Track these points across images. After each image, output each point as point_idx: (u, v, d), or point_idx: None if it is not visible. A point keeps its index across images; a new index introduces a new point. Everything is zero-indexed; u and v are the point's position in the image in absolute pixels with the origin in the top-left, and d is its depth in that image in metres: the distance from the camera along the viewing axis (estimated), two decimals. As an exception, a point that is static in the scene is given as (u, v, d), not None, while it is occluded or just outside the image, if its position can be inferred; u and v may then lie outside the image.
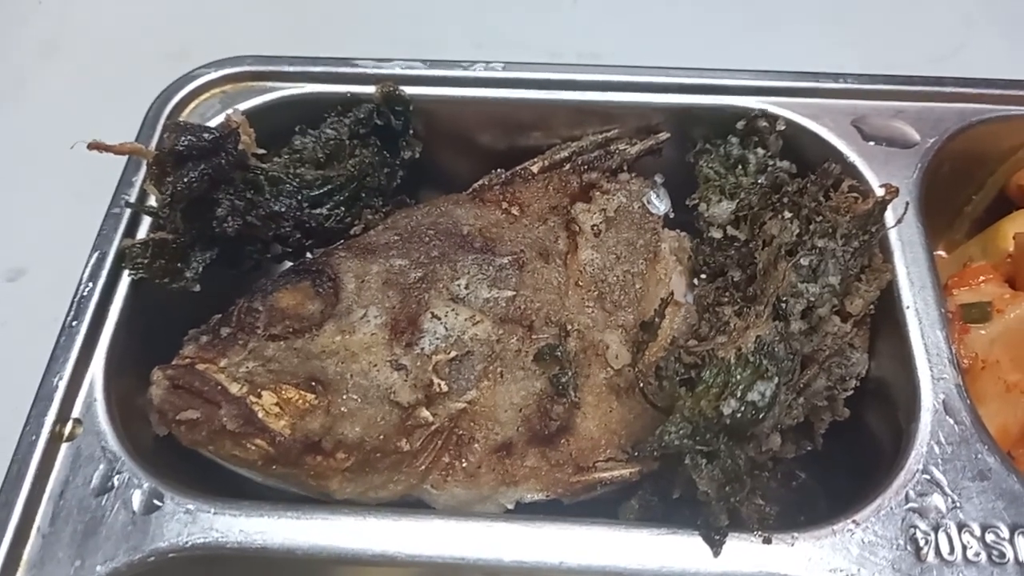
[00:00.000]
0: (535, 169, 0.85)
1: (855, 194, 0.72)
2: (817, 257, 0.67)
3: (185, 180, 0.70)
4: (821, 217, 0.69)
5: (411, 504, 0.70)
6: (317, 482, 0.68)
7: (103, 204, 0.81)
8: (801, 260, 0.66)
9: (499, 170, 0.85)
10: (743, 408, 0.60)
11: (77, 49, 1.23)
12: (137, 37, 1.24)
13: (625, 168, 0.85)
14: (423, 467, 0.69)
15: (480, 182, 0.84)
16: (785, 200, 0.72)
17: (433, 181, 0.91)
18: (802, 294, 0.66)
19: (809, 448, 0.73)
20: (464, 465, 0.69)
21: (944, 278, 0.80)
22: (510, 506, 0.70)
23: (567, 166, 0.85)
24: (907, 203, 0.75)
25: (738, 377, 0.61)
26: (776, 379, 0.61)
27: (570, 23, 1.23)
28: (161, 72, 1.15)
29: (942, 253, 0.93)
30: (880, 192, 0.72)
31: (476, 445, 0.69)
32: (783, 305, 0.65)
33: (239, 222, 0.73)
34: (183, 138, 0.71)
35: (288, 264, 0.81)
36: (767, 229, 0.71)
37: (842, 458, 0.76)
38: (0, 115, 1.16)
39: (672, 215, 0.82)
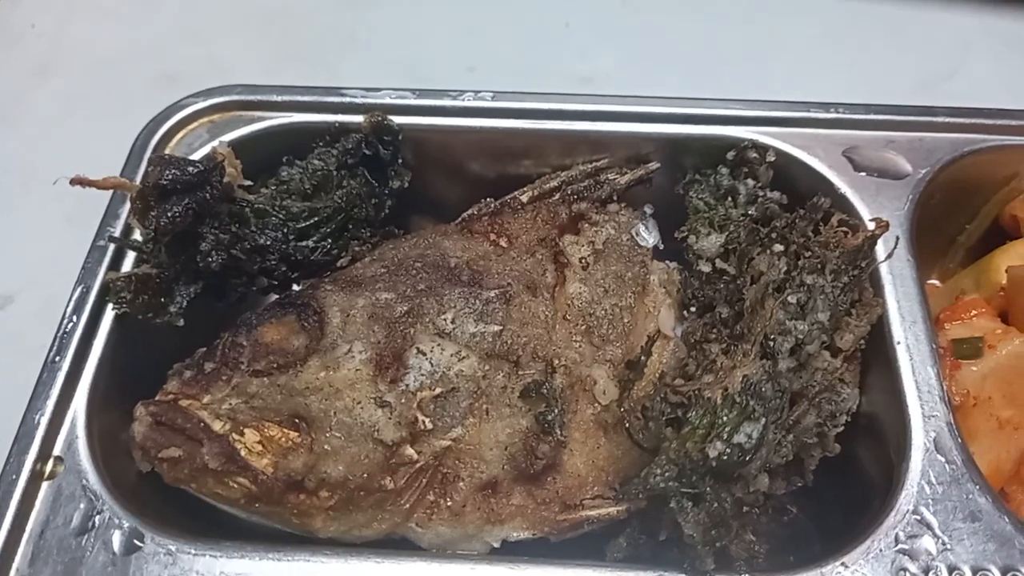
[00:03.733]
0: (524, 199, 0.84)
1: (845, 228, 0.72)
2: (805, 294, 0.67)
3: (169, 215, 0.69)
4: (810, 252, 0.69)
5: (396, 543, 0.69)
6: (300, 520, 0.68)
7: (93, 230, 0.80)
8: (789, 297, 0.66)
9: (488, 199, 0.84)
10: (729, 450, 0.59)
11: (70, 72, 1.23)
12: (129, 60, 1.24)
13: (615, 198, 0.84)
14: (408, 505, 0.68)
15: (469, 212, 0.84)
16: (774, 235, 0.71)
17: (422, 209, 0.91)
18: (790, 332, 0.65)
19: (800, 484, 0.72)
20: (449, 504, 0.68)
21: (937, 309, 0.80)
22: (496, 544, 0.69)
23: (557, 195, 0.85)
24: (897, 237, 0.74)
25: (724, 419, 0.60)
26: (763, 420, 0.61)
27: (563, 47, 1.22)
28: (152, 95, 1.14)
29: (935, 282, 0.93)
30: (870, 226, 0.72)
31: (461, 483, 0.68)
32: (771, 343, 0.64)
33: (223, 256, 0.72)
34: (167, 172, 0.71)
35: (274, 296, 0.80)
36: (755, 265, 0.70)
37: (833, 493, 0.75)
38: (-7, 138, 1.16)
39: (661, 247, 0.82)
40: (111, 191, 0.80)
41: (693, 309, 0.77)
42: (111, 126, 1.12)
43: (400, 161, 0.86)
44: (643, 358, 0.66)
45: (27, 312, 0.99)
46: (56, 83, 1.22)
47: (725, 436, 0.59)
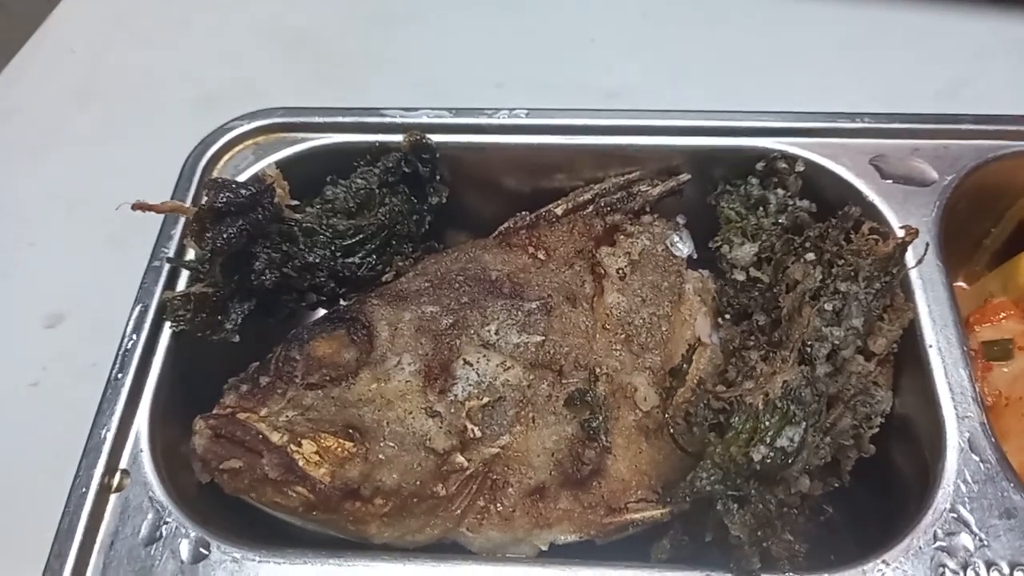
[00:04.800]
0: (559, 211, 0.87)
1: (875, 236, 0.74)
2: (840, 301, 0.69)
3: (224, 236, 0.73)
4: (843, 261, 0.71)
5: (447, 547, 0.72)
6: (356, 527, 0.70)
7: (139, 250, 0.83)
8: (825, 305, 0.68)
9: (523, 213, 0.87)
10: (773, 454, 0.61)
11: (108, 96, 1.27)
12: (165, 84, 1.28)
13: (647, 209, 0.87)
14: (459, 511, 0.70)
15: (505, 225, 0.86)
16: (807, 244, 0.73)
17: (458, 224, 0.93)
18: (827, 338, 0.68)
19: (836, 485, 0.74)
20: (499, 508, 0.70)
21: (965, 311, 0.82)
22: (544, 547, 0.71)
23: (590, 208, 0.87)
24: (927, 243, 0.76)
25: (767, 423, 0.62)
26: (804, 423, 0.63)
27: (588, 62, 1.25)
28: (189, 118, 1.19)
29: (962, 284, 0.95)
30: (900, 233, 0.74)
31: (510, 489, 0.71)
32: (808, 350, 0.67)
33: (276, 274, 0.75)
34: (221, 195, 0.74)
35: (320, 312, 0.83)
36: (790, 273, 0.72)
37: (867, 493, 0.77)
38: (37, 162, 1.19)
39: (695, 256, 0.84)
40: (163, 215, 0.83)
41: (728, 317, 0.80)
42: (150, 149, 1.16)
43: (438, 178, 0.88)
44: (685, 365, 0.68)
45: (77, 331, 1.02)
46: (95, 107, 1.26)
47: (768, 440, 0.61)
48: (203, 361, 0.78)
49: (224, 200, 0.73)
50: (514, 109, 0.89)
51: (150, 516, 0.68)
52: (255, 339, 0.78)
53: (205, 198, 0.74)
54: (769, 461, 0.61)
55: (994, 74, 1.17)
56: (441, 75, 1.23)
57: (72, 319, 1.03)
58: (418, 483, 0.69)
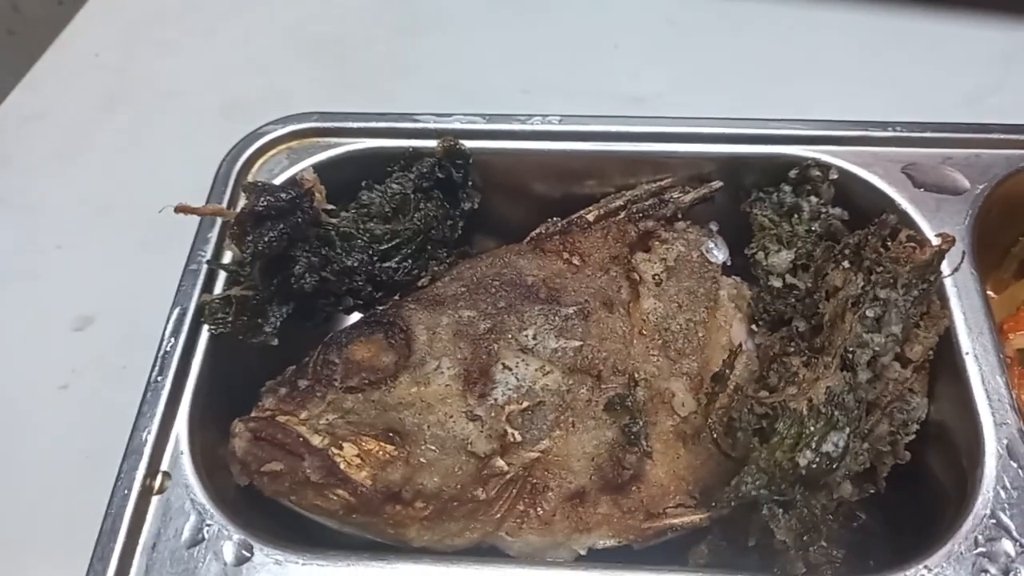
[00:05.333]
0: (591, 218, 0.87)
1: (912, 244, 0.74)
2: (881, 308, 0.69)
3: (265, 239, 0.73)
4: (882, 268, 0.71)
5: (484, 551, 0.72)
6: (395, 530, 0.70)
7: (166, 254, 0.84)
8: (867, 311, 0.68)
9: (555, 219, 0.88)
10: (818, 459, 0.62)
11: (135, 102, 1.27)
12: (191, 90, 1.28)
13: (680, 216, 0.87)
14: (499, 515, 0.71)
15: (537, 231, 0.87)
16: (846, 251, 0.74)
17: (487, 229, 0.94)
18: (867, 344, 0.68)
19: (872, 491, 0.74)
20: (539, 513, 0.71)
21: (996, 319, 0.82)
22: (583, 552, 0.71)
23: (622, 214, 0.88)
24: (963, 252, 0.76)
25: (812, 428, 0.63)
26: (847, 429, 0.63)
27: (612, 67, 1.26)
28: (216, 124, 1.20)
29: (990, 293, 0.95)
30: (936, 241, 0.75)
31: (550, 493, 0.71)
32: (851, 356, 0.67)
33: (316, 278, 0.76)
34: (262, 199, 0.74)
35: (356, 316, 0.83)
36: (830, 280, 0.73)
37: (901, 499, 0.77)
38: (65, 167, 1.20)
39: (729, 263, 0.84)
40: (199, 218, 0.84)
41: (762, 323, 0.80)
42: (178, 154, 1.18)
43: (471, 184, 0.89)
44: (727, 371, 0.68)
45: (106, 334, 1.02)
46: (122, 112, 1.27)
47: (814, 445, 0.62)
48: (240, 365, 0.78)
49: (265, 204, 0.74)
50: (547, 116, 0.90)
51: (192, 518, 0.68)
52: (290, 342, 0.79)
53: (245, 201, 0.75)
54: (815, 466, 0.61)
55: (1018, 81, 1.18)
56: (467, 82, 1.24)
57: (101, 322, 1.04)
58: (459, 487, 0.69)
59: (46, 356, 1.01)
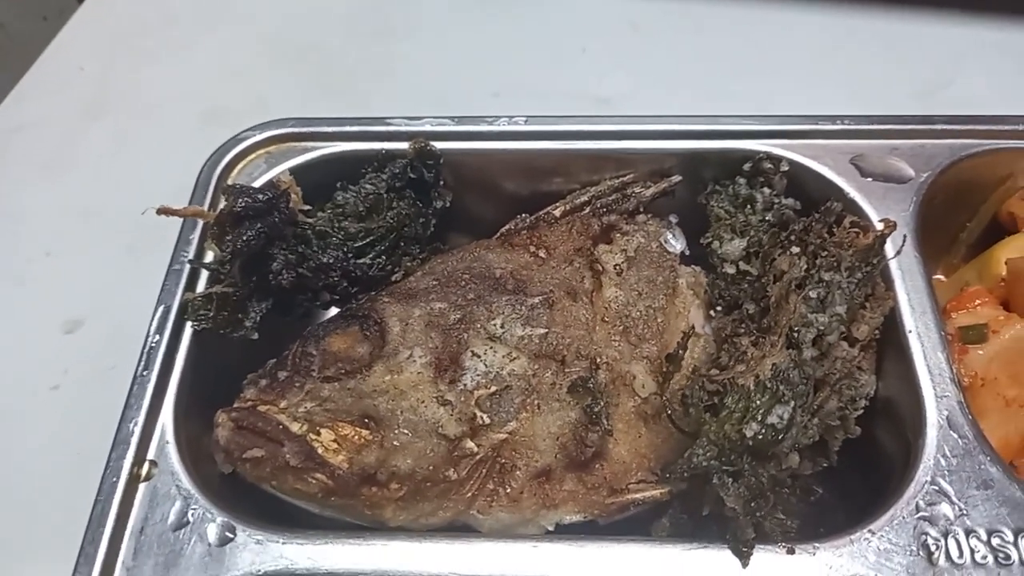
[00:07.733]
0: (557, 213, 0.91)
1: (856, 229, 0.78)
2: (824, 289, 0.74)
3: (244, 238, 0.77)
4: (826, 252, 0.76)
5: (458, 529, 0.76)
6: (372, 512, 0.74)
7: (152, 256, 0.88)
8: (810, 293, 0.73)
9: (523, 215, 0.92)
10: (764, 430, 0.66)
11: (118, 112, 1.31)
12: (172, 99, 1.32)
13: (641, 210, 0.92)
14: (469, 494, 0.74)
15: (507, 227, 0.91)
16: (792, 237, 0.78)
17: (460, 226, 0.98)
18: (812, 324, 0.72)
19: (825, 465, 0.78)
20: (507, 491, 0.74)
21: (943, 301, 0.86)
22: (550, 528, 0.75)
23: (587, 209, 0.92)
24: (904, 235, 0.81)
25: (758, 402, 0.67)
26: (792, 402, 0.68)
27: (581, 70, 1.30)
28: (197, 131, 1.23)
29: (941, 277, 0.99)
30: (879, 227, 0.79)
31: (518, 472, 0.75)
32: (795, 335, 0.71)
33: (293, 274, 0.79)
34: (240, 200, 0.78)
35: (334, 310, 0.87)
36: (777, 265, 0.77)
37: (855, 473, 0.81)
38: (51, 175, 1.23)
39: (687, 253, 0.89)
40: (181, 220, 0.88)
41: (719, 308, 0.84)
42: (161, 161, 1.21)
43: (442, 183, 0.93)
44: (681, 352, 0.72)
45: (96, 335, 1.06)
46: (106, 122, 1.30)
47: (760, 417, 0.66)
48: (222, 358, 0.82)
49: (243, 204, 0.78)
50: (513, 116, 0.94)
51: (178, 503, 0.72)
52: (270, 338, 0.82)
53: (224, 203, 0.79)
54: (761, 437, 0.65)
55: (968, 77, 1.23)
56: (440, 86, 1.28)
57: (91, 324, 1.07)
58: (431, 468, 0.73)
59: (38, 358, 1.05)
